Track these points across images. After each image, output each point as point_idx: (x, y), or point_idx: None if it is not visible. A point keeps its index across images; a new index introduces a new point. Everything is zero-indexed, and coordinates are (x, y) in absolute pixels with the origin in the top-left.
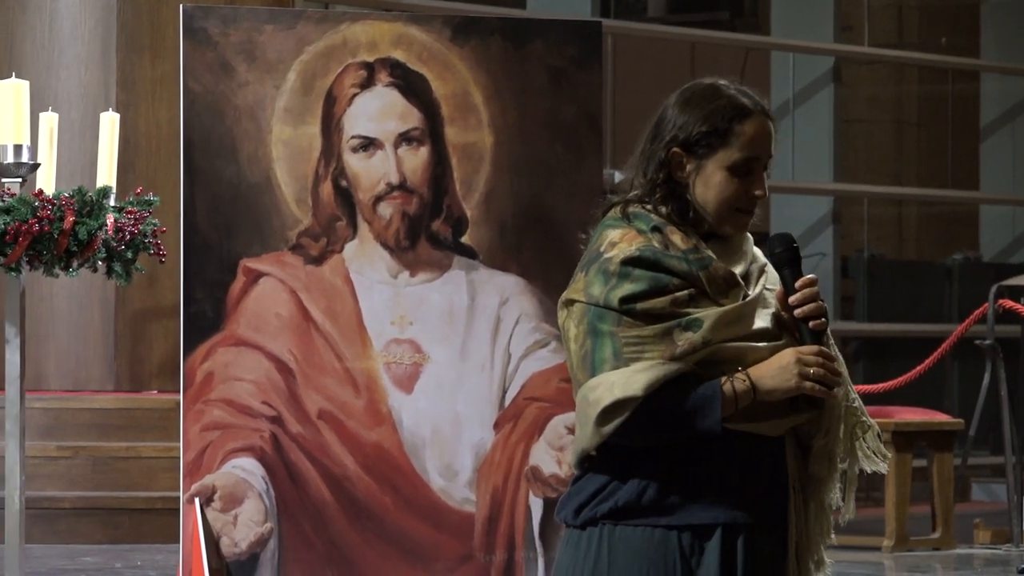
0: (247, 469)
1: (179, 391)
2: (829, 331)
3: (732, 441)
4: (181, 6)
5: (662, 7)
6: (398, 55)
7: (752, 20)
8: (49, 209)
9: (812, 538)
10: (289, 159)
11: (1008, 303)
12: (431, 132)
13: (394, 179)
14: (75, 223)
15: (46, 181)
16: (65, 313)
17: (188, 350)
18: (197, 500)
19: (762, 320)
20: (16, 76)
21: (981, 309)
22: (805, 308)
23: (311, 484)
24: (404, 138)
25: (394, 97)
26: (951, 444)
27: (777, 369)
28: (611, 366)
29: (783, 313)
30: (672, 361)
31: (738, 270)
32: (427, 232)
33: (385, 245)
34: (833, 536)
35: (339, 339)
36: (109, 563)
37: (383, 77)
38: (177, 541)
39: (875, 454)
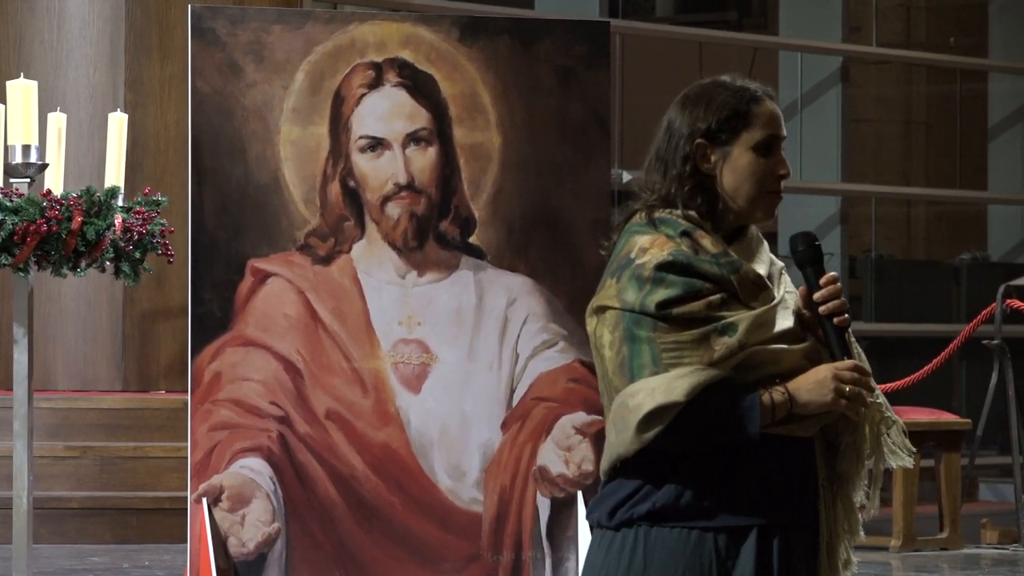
0: (255, 469)
1: (187, 391)
2: (851, 332)
3: (766, 443)
4: (189, 7)
5: (670, 7)
6: (406, 55)
7: (760, 20)
8: (57, 209)
9: (840, 536)
10: (297, 159)
11: (1016, 303)
12: (439, 132)
13: (402, 179)
14: (83, 223)
15: (54, 181)
16: (73, 313)
17: (196, 350)
18: (205, 500)
19: (787, 321)
20: (25, 76)
21: (989, 309)
22: (829, 305)
23: (319, 484)
24: (412, 138)
25: (402, 97)
26: (959, 444)
27: (814, 383)
28: (650, 372)
29: (805, 312)
30: (711, 367)
31: (763, 272)
32: (435, 232)
33: (393, 245)
34: (862, 534)
35: (347, 339)
36: (117, 563)
37: (391, 77)
38: (185, 541)
39: (900, 449)
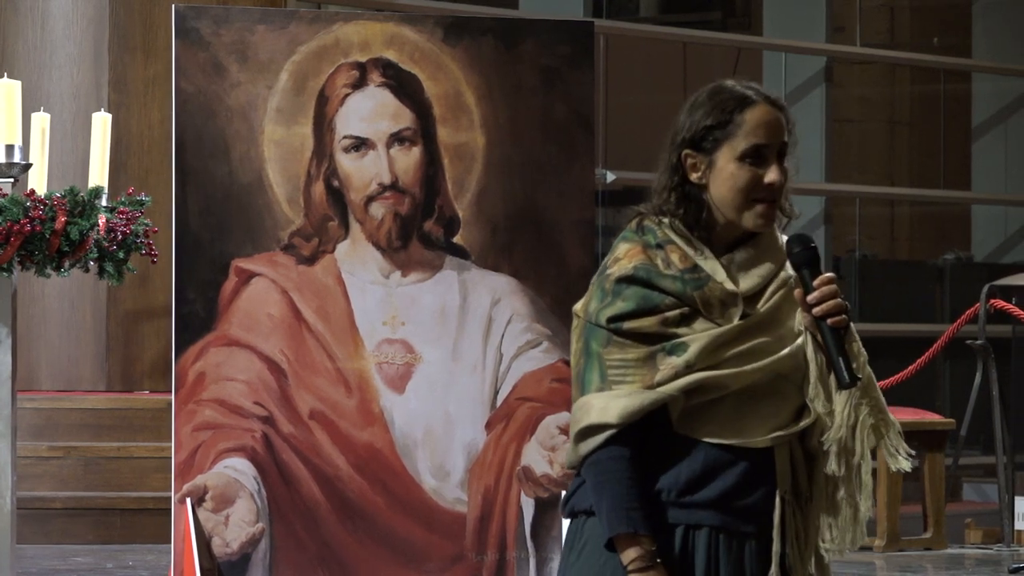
0: (239, 469)
1: (171, 391)
2: (854, 330)
3: (707, 449)
4: (173, 6)
5: (654, 7)
6: (390, 55)
7: (744, 20)
8: (41, 209)
9: (801, 551)
10: (281, 159)
11: (999, 303)
12: (423, 132)
13: (386, 179)
14: (67, 223)
15: (38, 181)
16: (57, 313)
17: (180, 350)
18: (189, 500)
19: (762, 336)
20: (8, 76)
21: (973, 309)
22: (823, 306)
23: (303, 484)
24: (396, 138)
25: (386, 97)
26: (943, 444)
27: None
28: (597, 387)
29: (804, 314)
30: (651, 389)
31: (749, 285)
32: (419, 232)
33: (377, 245)
34: (843, 549)
35: (331, 339)
36: (100, 563)
37: (375, 77)
38: (169, 541)
39: (899, 452)
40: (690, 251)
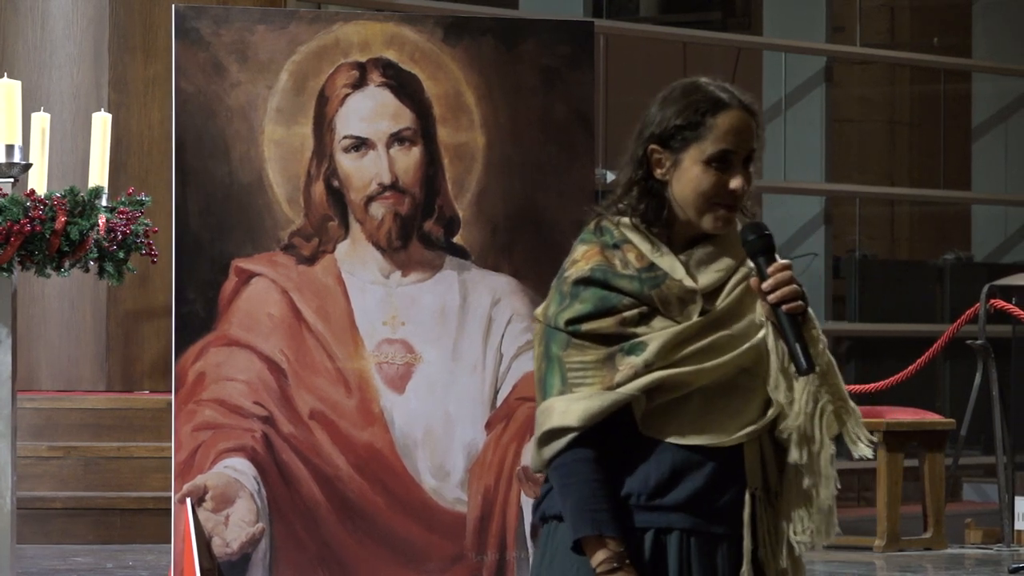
0: (239, 469)
1: (171, 391)
2: (813, 316)
3: (674, 450)
4: (173, 6)
5: (654, 7)
6: (390, 55)
7: (744, 20)
8: (41, 209)
9: (772, 548)
10: (281, 159)
11: (999, 303)
12: (423, 132)
13: (386, 179)
14: (67, 223)
15: (38, 181)
16: (57, 313)
17: (180, 350)
18: (189, 500)
19: (721, 331)
20: (8, 76)
21: (973, 309)
22: (778, 293)
23: (303, 484)
24: (396, 138)
25: (386, 97)
26: (943, 444)
27: None
28: (558, 391)
29: (762, 303)
30: (611, 390)
31: (708, 281)
32: (419, 232)
33: (377, 245)
34: (823, 540)
35: (331, 339)
36: (100, 563)
37: (375, 77)
38: (169, 541)
39: (860, 439)
40: (648, 249)
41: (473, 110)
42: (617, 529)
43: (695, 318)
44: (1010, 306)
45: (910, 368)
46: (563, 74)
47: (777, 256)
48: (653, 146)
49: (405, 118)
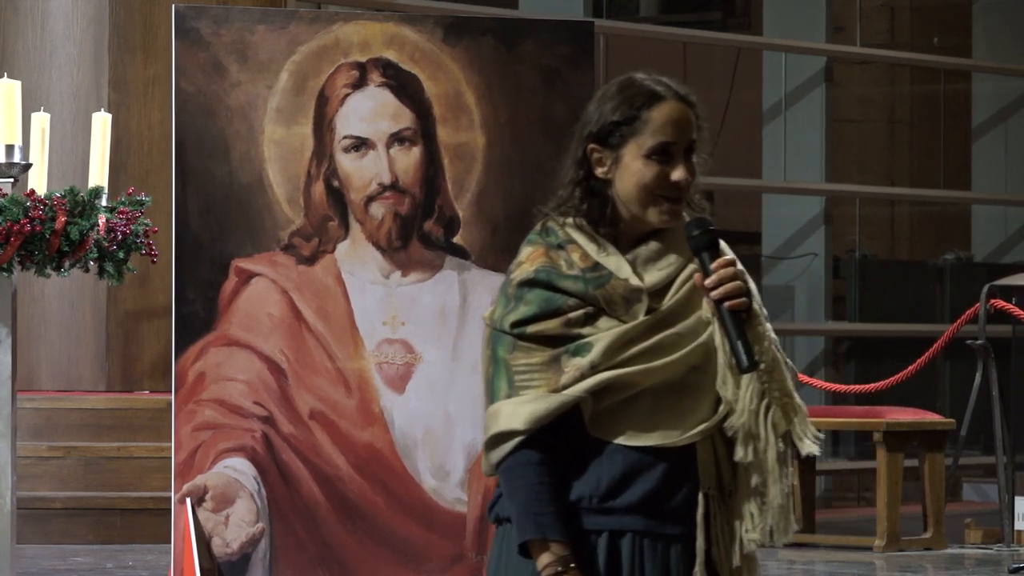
0: (239, 469)
1: (171, 391)
2: (760, 312)
3: (625, 452)
4: (173, 6)
5: (654, 7)
6: (390, 55)
7: (744, 20)
8: (41, 209)
9: (729, 547)
10: (281, 159)
11: (1000, 303)
12: (423, 132)
13: (386, 179)
14: (67, 223)
15: (38, 181)
16: (57, 313)
17: (180, 350)
18: (189, 500)
19: (668, 329)
20: (8, 76)
21: (973, 309)
22: (720, 289)
23: (303, 484)
24: (396, 138)
25: (386, 97)
26: (943, 444)
27: None
28: (505, 394)
29: (707, 299)
30: (557, 392)
31: (655, 279)
32: (419, 232)
33: (377, 245)
34: (782, 538)
35: (331, 339)
36: (100, 563)
37: (375, 77)
38: (169, 541)
39: (806, 436)
40: (593, 249)
41: (473, 110)
42: (561, 532)
43: (641, 317)
44: (1010, 306)
45: (910, 368)
46: (563, 74)
47: (726, 250)
48: (592, 145)
49: (405, 118)
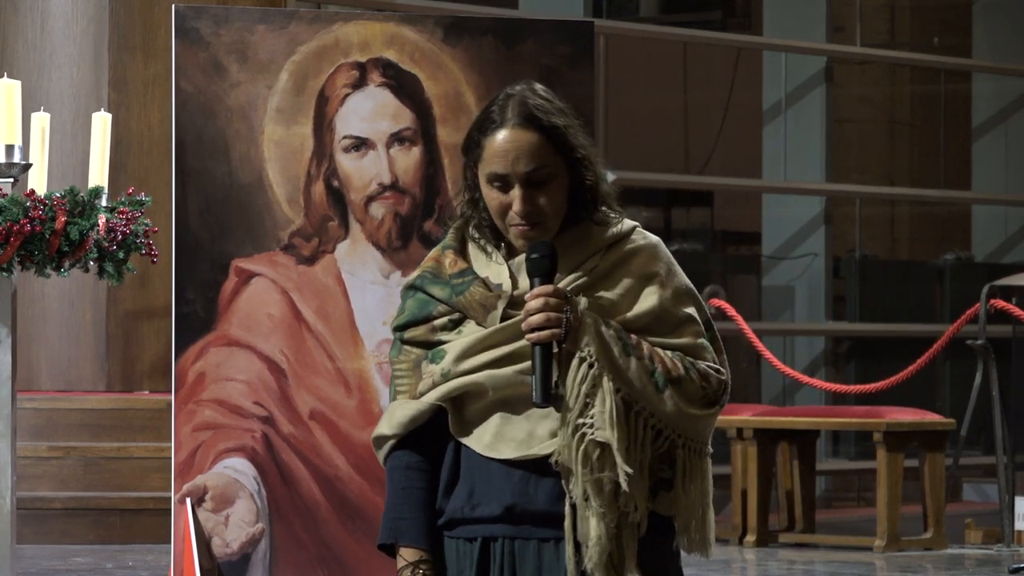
0: (239, 469)
1: (171, 391)
2: (588, 343)
3: (487, 460)
4: (173, 6)
5: (654, 7)
6: (390, 55)
7: (744, 20)
8: (41, 209)
9: (593, 553)
10: (281, 159)
11: (1000, 303)
12: (423, 132)
13: (386, 179)
14: (67, 223)
15: (38, 181)
16: (57, 313)
17: (180, 350)
18: (188, 500)
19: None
20: (8, 76)
21: (973, 309)
22: (526, 321)
23: (303, 484)
24: (396, 138)
25: (386, 97)
26: (943, 444)
27: None
28: (392, 397)
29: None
30: (416, 399)
31: (526, 285)
32: (419, 232)
33: (377, 245)
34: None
35: (331, 339)
36: (100, 563)
37: (375, 77)
38: (168, 541)
39: (616, 469)
40: (482, 258)
41: (473, 110)
42: (415, 538)
43: (498, 323)
44: (1010, 306)
45: (910, 368)
46: (563, 74)
47: (557, 279)
48: (466, 160)
49: (405, 118)
